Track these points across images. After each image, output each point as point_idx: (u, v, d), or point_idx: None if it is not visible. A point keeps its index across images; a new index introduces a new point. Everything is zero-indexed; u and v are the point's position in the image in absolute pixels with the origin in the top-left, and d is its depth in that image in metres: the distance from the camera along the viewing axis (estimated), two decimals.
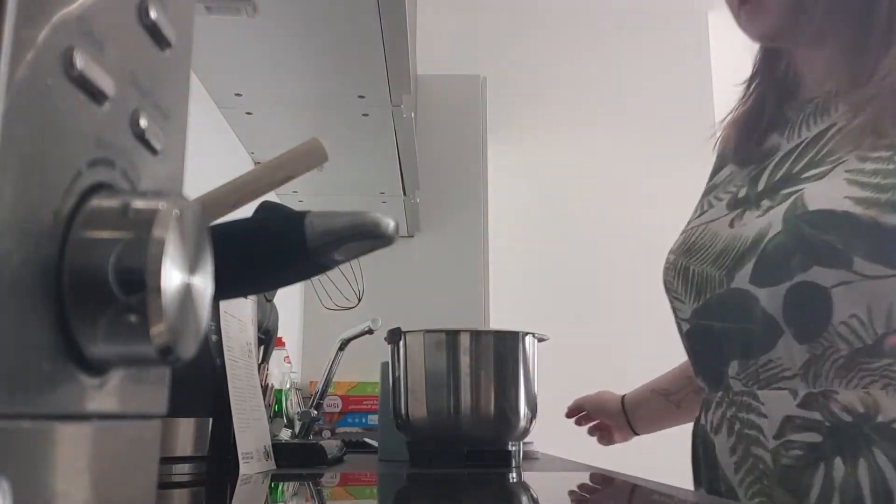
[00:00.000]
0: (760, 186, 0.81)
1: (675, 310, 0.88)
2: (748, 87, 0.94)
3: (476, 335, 1.03)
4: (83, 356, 0.22)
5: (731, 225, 0.81)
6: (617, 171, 3.14)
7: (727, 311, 0.78)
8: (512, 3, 3.23)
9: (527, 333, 1.07)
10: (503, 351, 1.03)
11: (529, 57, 3.23)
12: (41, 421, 0.21)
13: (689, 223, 0.91)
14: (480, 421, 1.01)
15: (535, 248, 3.09)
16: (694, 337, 0.84)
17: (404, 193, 2.05)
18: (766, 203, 0.78)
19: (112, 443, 0.25)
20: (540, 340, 1.10)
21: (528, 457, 1.30)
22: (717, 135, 0.98)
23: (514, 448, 1.03)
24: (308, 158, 0.72)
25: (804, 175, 0.76)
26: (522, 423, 1.03)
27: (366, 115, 1.52)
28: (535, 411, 1.06)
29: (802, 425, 0.71)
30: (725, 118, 0.96)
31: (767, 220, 0.75)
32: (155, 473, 0.28)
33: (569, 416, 1.29)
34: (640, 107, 3.20)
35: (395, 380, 1.08)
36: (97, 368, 0.23)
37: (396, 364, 1.07)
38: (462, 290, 2.41)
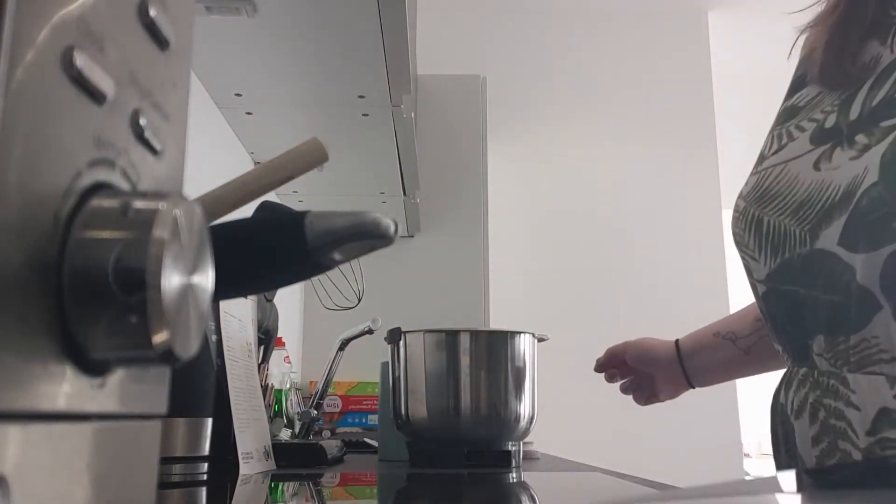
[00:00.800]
0: (854, 114, 0.65)
1: (747, 269, 0.74)
2: None
3: (476, 335, 1.03)
4: (83, 356, 0.22)
5: (817, 167, 0.66)
6: (617, 171, 3.14)
7: (811, 277, 0.65)
8: (512, 3, 3.23)
9: (526, 333, 1.07)
10: (503, 351, 1.03)
11: (529, 57, 3.22)
12: (41, 421, 0.21)
13: (763, 160, 0.74)
14: (480, 421, 1.01)
15: (535, 248, 3.08)
16: (771, 302, 0.71)
17: (404, 193, 2.05)
18: (861, 139, 0.63)
19: (112, 443, 0.25)
20: (540, 340, 1.10)
21: (528, 457, 1.30)
22: (805, 43, 0.79)
23: (513, 448, 1.03)
24: (308, 158, 0.72)
25: None
26: (522, 423, 1.03)
27: (366, 115, 1.51)
28: (535, 412, 1.06)
29: None
30: (813, 26, 0.77)
31: (863, 164, 0.61)
32: (155, 473, 0.28)
33: (599, 369, 1.05)
34: (639, 106, 3.19)
35: (395, 380, 1.07)
36: (97, 368, 0.23)
37: (396, 364, 1.07)
38: (462, 290, 2.41)
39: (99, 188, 0.23)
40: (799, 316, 0.67)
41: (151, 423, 0.27)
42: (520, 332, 1.06)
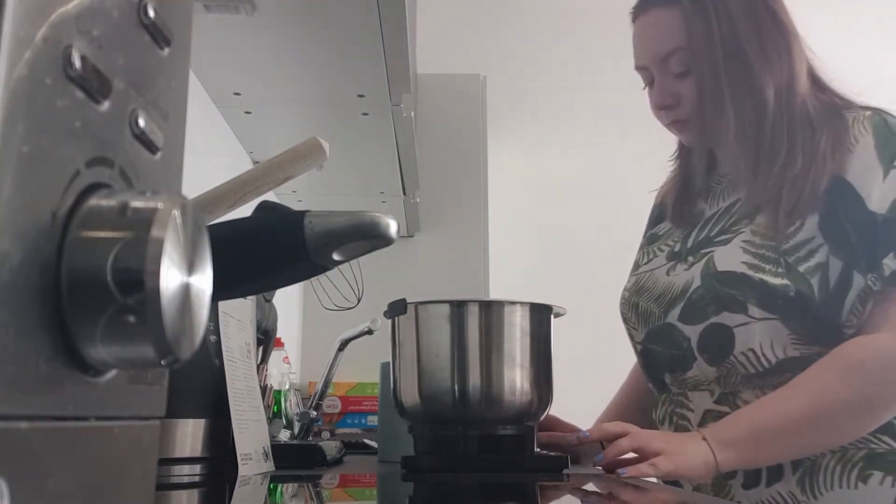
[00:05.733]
0: (689, 244, 1.08)
1: (630, 336, 1.13)
2: (678, 160, 1.19)
3: (486, 306, 0.96)
4: (81, 357, 0.22)
5: (668, 273, 1.07)
6: (617, 171, 3.14)
7: (662, 339, 1.05)
8: (512, 3, 3.23)
9: (544, 305, 0.99)
10: (525, 325, 0.96)
11: (529, 57, 3.22)
12: (39, 422, 0.20)
13: (638, 267, 1.16)
14: (498, 400, 0.92)
15: (535, 248, 3.08)
16: (644, 356, 1.11)
17: (404, 193, 2.05)
18: (690, 259, 1.05)
19: (110, 444, 0.25)
20: (556, 315, 1.02)
21: None
22: (660, 193, 1.27)
23: (528, 430, 0.95)
24: (307, 158, 0.72)
25: (716, 240, 1.03)
26: (538, 404, 0.95)
27: (365, 114, 1.51)
28: (552, 392, 0.98)
29: (717, 416, 0.97)
30: (665, 184, 1.25)
31: (691, 274, 1.02)
32: (153, 475, 0.28)
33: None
34: (640, 106, 3.19)
35: (398, 359, 0.99)
36: (95, 369, 0.23)
37: (397, 341, 0.99)
38: (462, 290, 2.40)
39: (97, 187, 0.23)
40: (655, 363, 1.07)
41: (150, 424, 0.27)
42: (536, 304, 0.98)
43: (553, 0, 3.24)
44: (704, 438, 0.90)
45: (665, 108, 1.09)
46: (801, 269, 0.93)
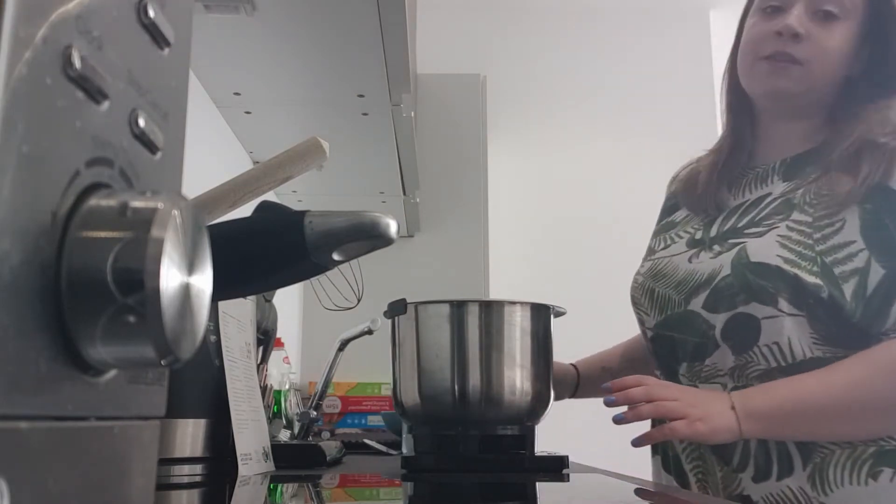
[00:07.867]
0: (713, 233, 1.07)
1: (641, 321, 1.13)
2: (727, 139, 1.15)
3: (486, 306, 0.96)
4: (81, 357, 0.22)
5: (690, 261, 1.06)
6: (617, 171, 3.14)
7: (683, 326, 1.04)
8: (512, 3, 3.23)
9: (543, 305, 1.00)
10: (524, 324, 0.96)
11: (529, 57, 3.22)
12: (39, 422, 0.20)
13: (654, 252, 1.16)
14: (497, 401, 0.92)
15: (535, 248, 3.08)
16: (656, 342, 1.10)
17: (404, 193, 2.05)
18: (717, 248, 1.04)
19: (110, 444, 0.25)
20: (557, 315, 1.03)
21: None
22: (673, 181, 1.26)
23: (529, 429, 0.95)
24: (307, 158, 0.72)
25: (746, 231, 1.02)
26: (540, 403, 0.96)
27: (365, 114, 1.51)
28: (551, 391, 0.99)
29: None
30: (680, 172, 1.25)
31: (719, 262, 1.01)
32: (153, 475, 0.28)
33: None
34: (640, 106, 3.19)
35: (398, 359, 0.99)
36: (95, 369, 0.23)
37: (398, 342, 0.99)
38: (462, 290, 2.40)
39: (97, 187, 0.23)
40: (673, 351, 1.06)
41: (150, 423, 0.27)
42: (536, 304, 0.99)
43: (553, 0, 3.24)
44: (733, 408, 0.90)
45: (788, 35, 1.01)
46: (837, 271, 0.93)
